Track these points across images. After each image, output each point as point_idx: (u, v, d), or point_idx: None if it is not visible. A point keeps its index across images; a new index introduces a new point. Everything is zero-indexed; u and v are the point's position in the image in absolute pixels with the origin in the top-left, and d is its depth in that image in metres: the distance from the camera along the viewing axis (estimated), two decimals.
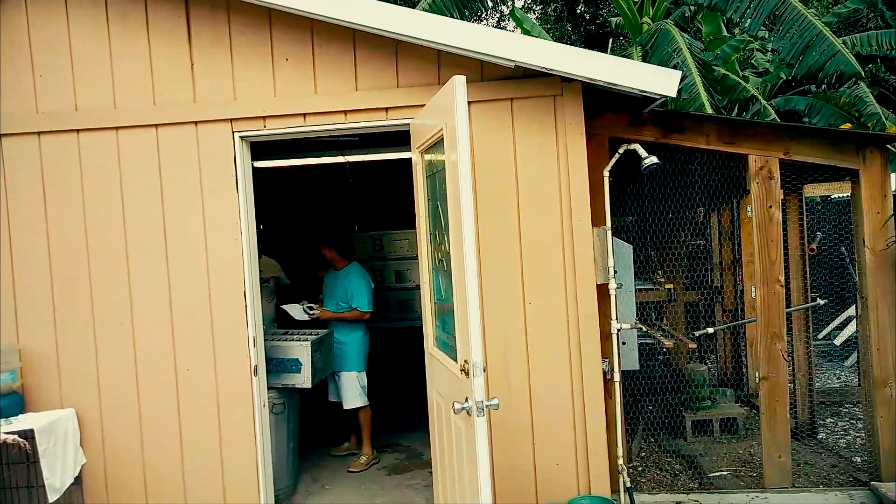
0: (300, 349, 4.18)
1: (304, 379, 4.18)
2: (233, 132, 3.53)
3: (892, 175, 4.13)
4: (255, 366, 3.56)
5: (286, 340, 4.31)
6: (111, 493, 3.59)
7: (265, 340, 3.97)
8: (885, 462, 3.75)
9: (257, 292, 3.65)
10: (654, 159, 3.57)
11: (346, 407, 4.76)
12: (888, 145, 3.91)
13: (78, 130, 3.58)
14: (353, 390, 4.75)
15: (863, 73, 7.05)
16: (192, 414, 3.57)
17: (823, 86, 9.20)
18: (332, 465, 4.83)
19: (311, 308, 4.75)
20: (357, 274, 4.80)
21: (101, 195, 3.59)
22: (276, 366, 4.17)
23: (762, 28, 7.41)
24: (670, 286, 5.17)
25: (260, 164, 5.26)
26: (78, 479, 3.50)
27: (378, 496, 4.25)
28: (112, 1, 3.57)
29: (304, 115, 3.52)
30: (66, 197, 3.59)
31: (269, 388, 3.86)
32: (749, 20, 6.79)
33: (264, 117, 3.52)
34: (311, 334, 4.46)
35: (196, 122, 3.54)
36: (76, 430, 3.52)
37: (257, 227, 3.72)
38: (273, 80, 3.52)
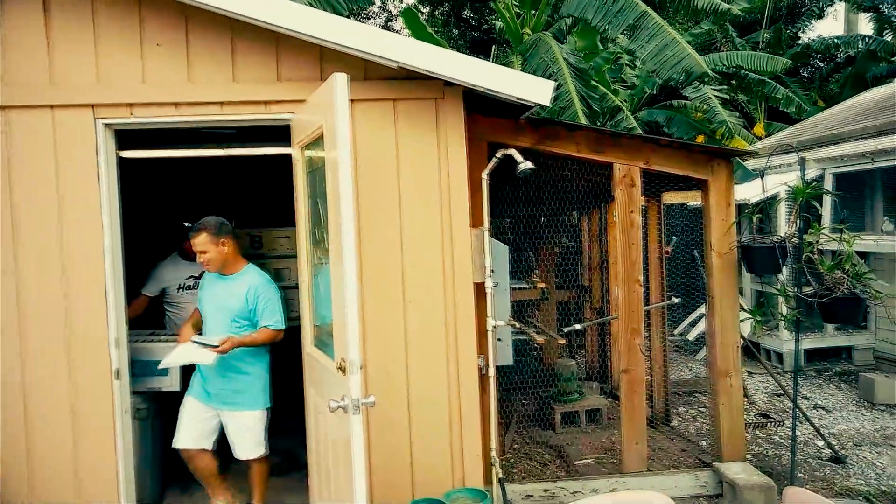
0: (169, 350, 3.96)
1: (171, 382, 3.97)
2: (95, 119, 3.29)
3: (736, 186, 4.59)
4: (117, 369, 3.34)
5: (153, 342, 4.07)
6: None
7: (134, 342, 3.75)
8: (725, 445, 4.18)
9: (120, 290, 3.42)
10: (529, 164, 3.74)
11: (243, 457, 3.68)
12: (734, 158, 4.35)
13: None
14: (256, 434, 3.67)
15: (710, 73, 7.89)
16: (43, 419, 3.29)
17: (683, 100, 10.02)
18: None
19: (202, 343, 3.48)
20: (263, 280, 3.64)
21: None
22: (142, 368, 3.93)
23: (624, 35, 8.12)
24: (543, 285, 5.44)
25: (127, 154, 4.92)
26: None
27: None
28: None
29: (176, 104, 3.35)
30: None
31: (133, 393, 3.64)
32: (610, 28, 7.42)
33: (131, 104, 3.32)
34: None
35: (52, 106, 3.26)
36: None
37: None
38: (142, 65, 3.32)
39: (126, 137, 3.64)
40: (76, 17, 3.28)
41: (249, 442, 3.66)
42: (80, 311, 3.29)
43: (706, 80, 8.08)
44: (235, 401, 3.62)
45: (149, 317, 4.58)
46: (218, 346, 3.41)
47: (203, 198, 6.61)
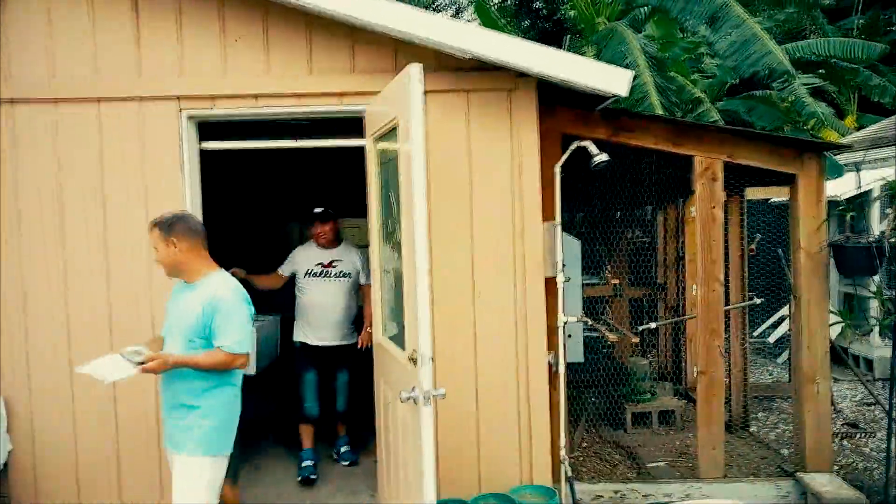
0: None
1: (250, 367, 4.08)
2: (180, 110, 3.42)
3: (827, 182, 4.31)
4: None
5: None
6: (40, 485, 3.45)
7: None
8: (811, 454, 3.94)
9: None
10: (605, 157, 3.62)
11: None
12: (825, 152, 4.09)
13: (13, 100, 3.40)
14: (191, 488, 2.67)
15: (793, 72, 7.45)
16: (126, 409, 3.46)
17: (766, 90, 9.53)
18: (274, 452, 4.75)
19: (135, 352, 2.58)
20: (227, 290, 2.73)
21: (36, 173, 3.41)
22: None
23: (704, 25, 7.77)
24: (616, 282, 5.29)
25: (207, 145, 5.10)
26: (3, 469, 3.35)
27: (322, 485, 4.22)
28: None
29: (256, 96, 3.43)
30: None
31: None
32: (691, 20, 7.12)
33: (213, 97, 3.42)
34: (255, 319, 4.34)
35: (141, 98, 3.40)
36: (3, 416, 3.37)
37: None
38: (224, 59, 3.43)
39: (204, 130, 3.76)
40: (162, 11, 3.40)
41: (180, 497, 2.67)
42: (162, 297, 3.43)
43: (788, 78, 7.60)
44: (178, 440, 2.72)
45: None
46: (144, 364, 2.55)
47: (282, 189, 6.81)
